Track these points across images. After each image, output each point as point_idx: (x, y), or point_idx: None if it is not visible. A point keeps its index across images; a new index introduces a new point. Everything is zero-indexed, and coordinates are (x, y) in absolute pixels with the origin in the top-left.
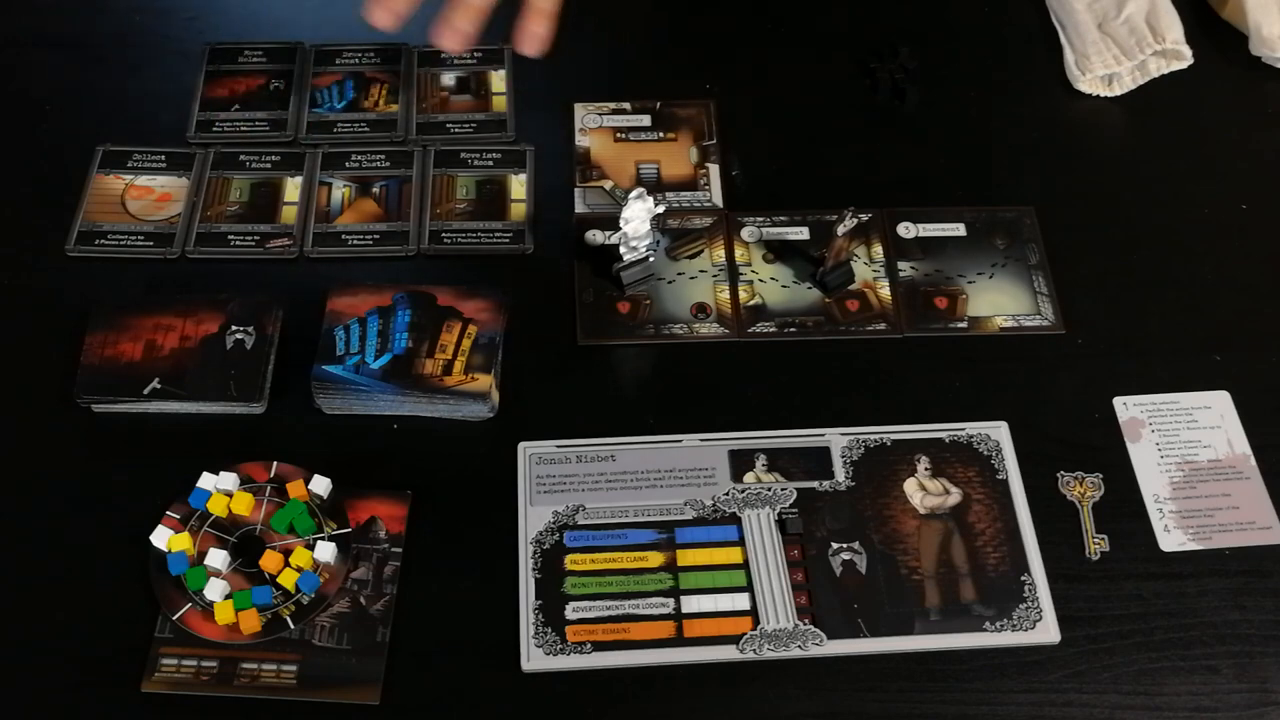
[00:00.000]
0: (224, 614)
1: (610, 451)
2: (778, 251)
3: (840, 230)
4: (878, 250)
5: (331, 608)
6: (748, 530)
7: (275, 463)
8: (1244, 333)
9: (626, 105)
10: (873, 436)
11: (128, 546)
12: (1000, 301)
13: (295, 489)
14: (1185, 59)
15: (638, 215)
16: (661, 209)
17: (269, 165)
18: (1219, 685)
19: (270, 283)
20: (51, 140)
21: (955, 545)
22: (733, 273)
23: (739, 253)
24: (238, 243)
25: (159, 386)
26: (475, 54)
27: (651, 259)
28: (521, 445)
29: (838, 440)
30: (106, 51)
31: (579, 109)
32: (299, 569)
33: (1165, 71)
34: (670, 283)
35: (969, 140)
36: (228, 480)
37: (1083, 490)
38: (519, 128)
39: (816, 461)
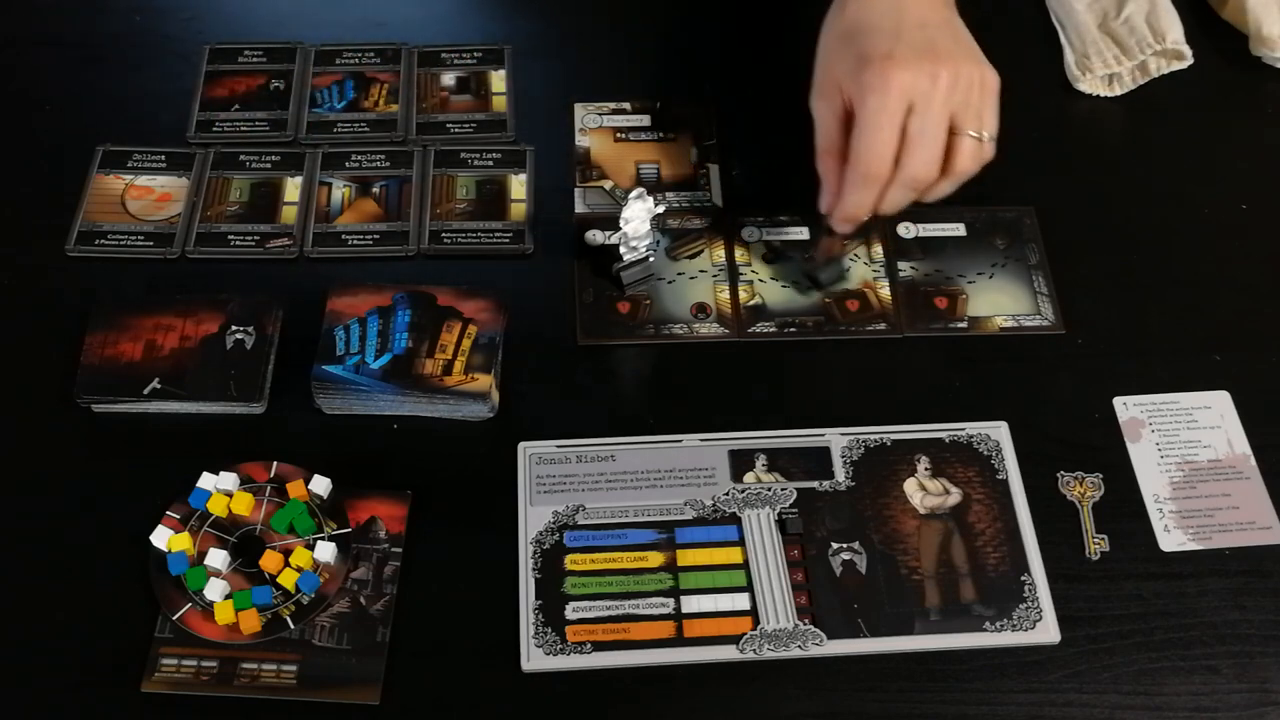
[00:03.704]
0: (224, 614)
1: (610, 451)
2: (778, 251)
3: (831, 222)
4: (878, 250)
5: (331, 608)
6: (748, 530)
7: (275, 463)
8: (1244, 333)
9: (626, 105)
10: (873, 436)
11: (128, 546)
12: (1000, 301)
13: (295, 489)
14: (1185, 59)
15: (638, 215)
16: (661, 209)
17: (269, 165)
18: (1219, 685)
19: (270, 283)
20: (51, 140)
21: (955, 545)
22: (733, 273)
23: (739, 253)
24: (238, 243)
25: (159, 386)
26: (475, 54)
27: (651, 259)
28: (521, 445)
29: (838, 440)
30: (106, 51)
31: (579, 109)
32: (299, 569)
33: (1165, 71)
34: (670, 283)
35: None
36: (228, 480)
37: (1083, 490)
38: (519, 128)
39: (816, 461)
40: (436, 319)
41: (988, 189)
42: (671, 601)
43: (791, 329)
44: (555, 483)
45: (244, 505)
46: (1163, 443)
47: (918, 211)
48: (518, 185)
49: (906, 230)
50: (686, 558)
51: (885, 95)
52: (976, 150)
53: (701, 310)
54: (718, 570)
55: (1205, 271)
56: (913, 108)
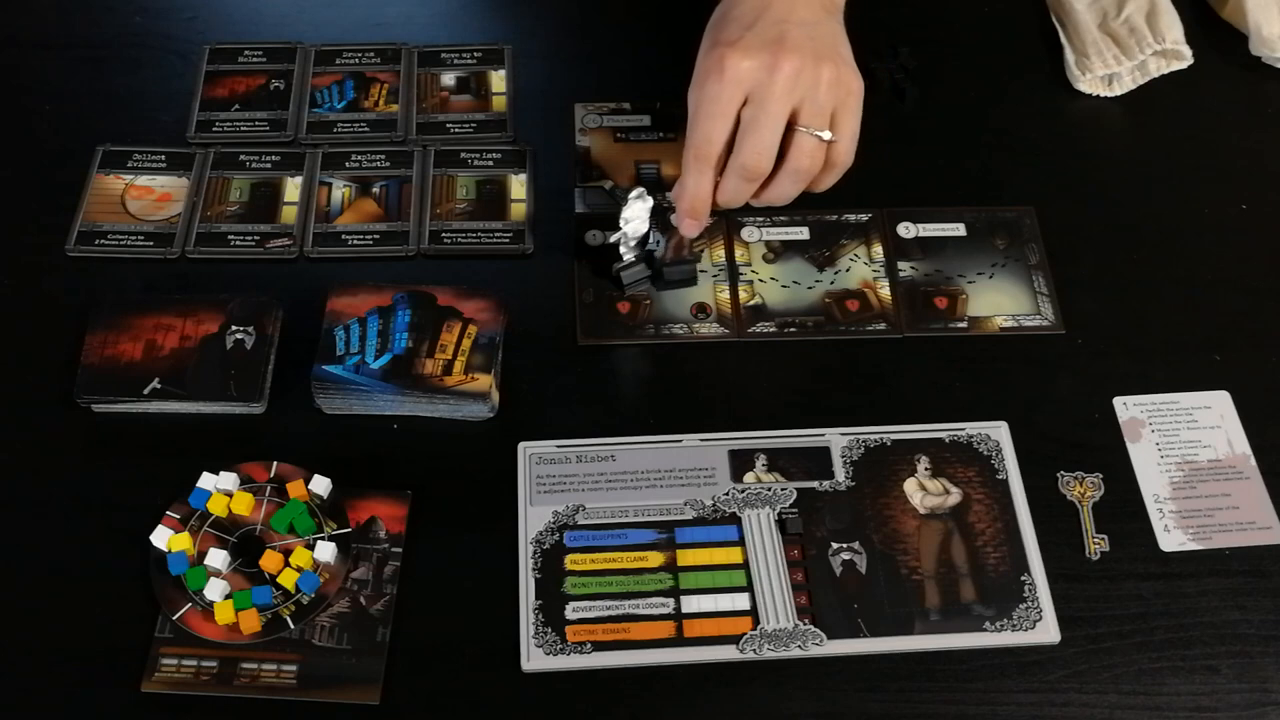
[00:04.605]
0: (224, 614)
1: (610, 451)
2: (778, 251)
3: (674, 219)
4: (878, 250)
5: (331, 608)
6: (748, 530)
7: (275, 463)
8: (1244, 333)
9: (626, 105)
10: (873, 436)
11: (128, 546)
12: (1000, 301)
13: (295, 489)
14: (1185, 59)
15: (638, 215)
16: (650, 202)
17: (269, 165)
18: (1219, 685)
19: (270, 283)
20: (51, 140)
21: (955, 545)
22: (733, 273)
23: (739, 253)
24: (238, 243)
25: (159, 386)
26: (475, 54)
27: (655, 253)
28: (521, 445)
29: (838, 440)
30: (106, 51)
31: (579, 109)
32: (299, 569)
33: (1165, 71)
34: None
35: (969, 140)
36: (228, 480)
37: (1083, 490)
38: (519, 128)
39: (816, 461)
40: (436, 319)
41: (988, 189)
42: (671, 601)
43: (791, 329)
44: (555, 483)
45: (244, 505)
46: (1163, 443)
47: (918, 211)
48: (518, 185)
49: (906, 230)
50: (686, 558)
51: (720, 81)
52: (816, 149)
53: (701, 310)
54: (718, 570)
55: (1205, 271)
56: (749, 96)
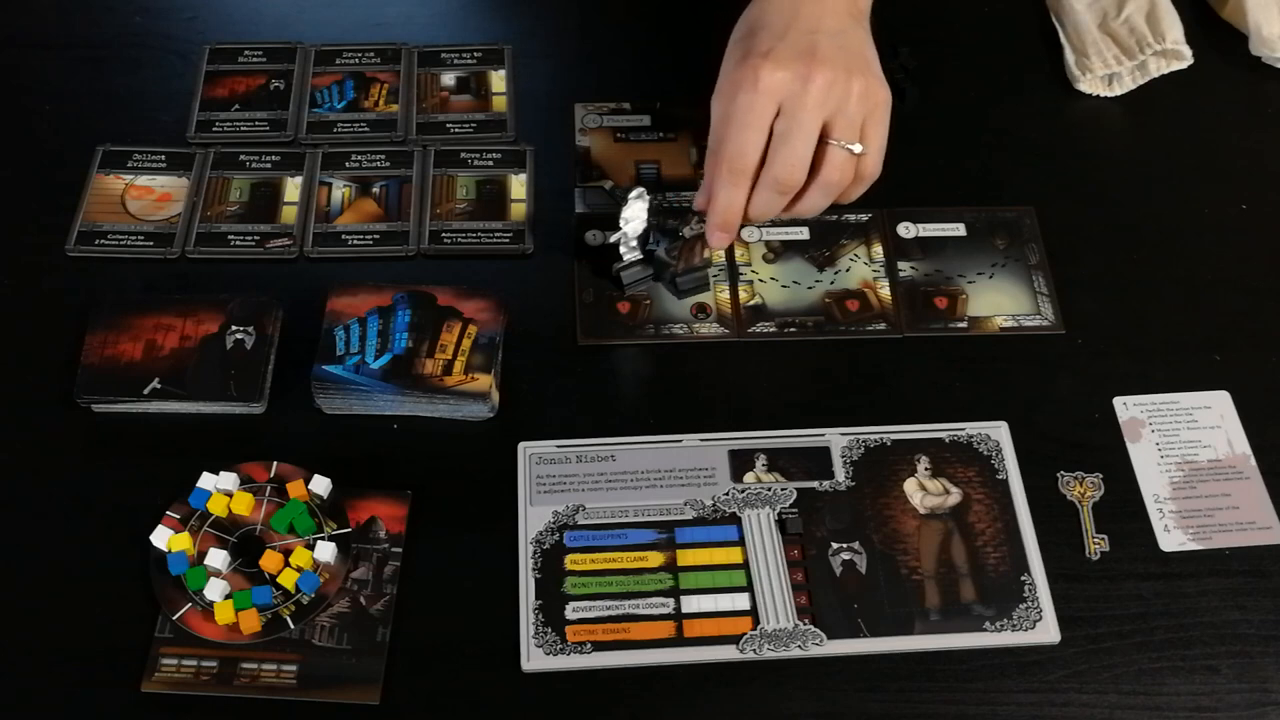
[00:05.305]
0: (224, 614)
1: (610, 451)
2: (778, 251)
3: (686, 233)
4: (878, 250)
5: (331, 608)
6: (748, 530)
7: (275, 463)
8: (1244, 333)
9: (626, 105)
10: (873, 436)
11: (128, 546)
12: (1000, 301)
13: (295, 489)
14: (1185, 59)
15: (637, 215)
16: (646, 201)
17: (269, 165)
18: (1219, 685)
19: (270, 283)
20: (51, 140)
21: (955, 545)
22: (733, 273)
23: (739, 253)
24: (238, 243)
25: (159, 386)
26: (475, 54)
27: (655, 253)
28: (521, 445)
29: (838, 440)
30: (106, 51)
31: (579, 109)
32: (299, 569)
33: (1165, 71)
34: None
35: (969, 140)
36: (228, 480)
37: (1083, 490)
38: (519, 128)
39: (816, 461)
40: (436, 319)
41: (988, 189)
42: (671, 601)
43: (791, 329)
44: (555, 483)
45: (244, 505)
46: (1163, 443)
47: (918, 211)
48: (518, 185)
49: (906, 230)
50: (686, 558)
51: (754, 92)
52: (846, 161)
53: (701, 310)
54: (718, 570)
55: (1205, 271)
56: (782, 108)
